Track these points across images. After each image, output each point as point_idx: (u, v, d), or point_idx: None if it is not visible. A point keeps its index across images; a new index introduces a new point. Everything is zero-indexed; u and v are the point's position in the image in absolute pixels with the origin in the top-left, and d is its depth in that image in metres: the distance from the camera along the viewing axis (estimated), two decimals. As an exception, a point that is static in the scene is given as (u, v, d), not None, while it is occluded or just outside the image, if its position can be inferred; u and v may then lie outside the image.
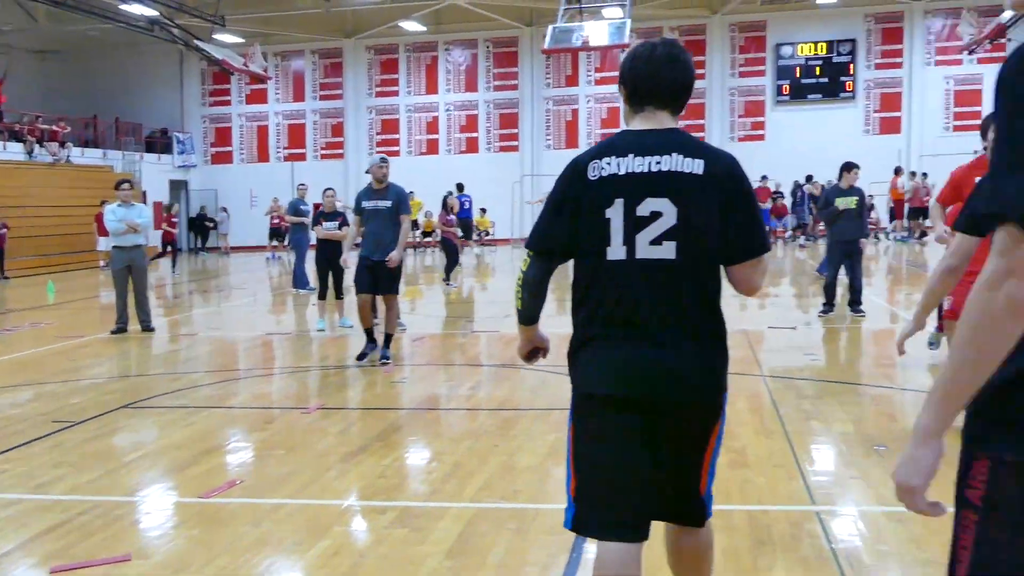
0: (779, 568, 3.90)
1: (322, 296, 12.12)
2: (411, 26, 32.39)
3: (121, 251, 11.90)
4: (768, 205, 28.22)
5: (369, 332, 9.34)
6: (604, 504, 2.67)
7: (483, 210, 29.84)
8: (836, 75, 31.19)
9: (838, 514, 4.60)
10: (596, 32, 23.18)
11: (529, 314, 2.87)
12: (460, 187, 26.43)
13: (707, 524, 2.92)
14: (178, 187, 34.86)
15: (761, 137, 31.66)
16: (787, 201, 29.27)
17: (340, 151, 34.62)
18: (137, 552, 4.26)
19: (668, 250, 2.64)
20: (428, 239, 30.43)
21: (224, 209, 34.12)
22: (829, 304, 11.72)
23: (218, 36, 27.84)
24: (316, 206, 12.57)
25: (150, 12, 26.10)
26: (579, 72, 32.77)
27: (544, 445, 5.96)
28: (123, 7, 25.91)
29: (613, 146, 2.72)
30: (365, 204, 9.10)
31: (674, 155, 2.66)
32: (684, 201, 2.63)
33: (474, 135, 33.86)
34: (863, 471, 5.21)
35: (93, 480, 5.46)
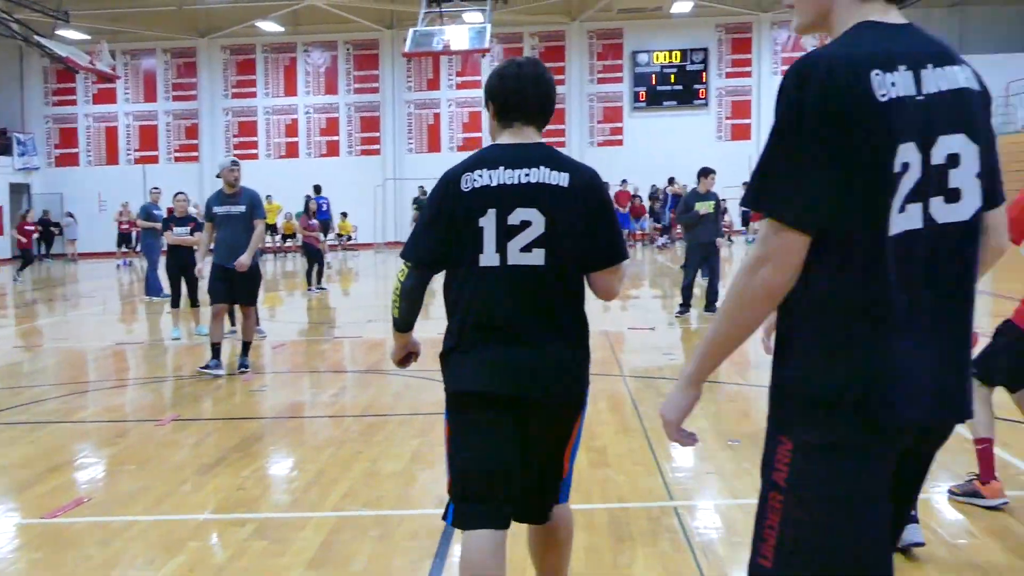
0: (639, 563, 3.99)
1: (175, 304, 11.74)
2: (268, 26, 31.74)
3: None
4: (627, 209, 28.97)
5: (216, 348, 8.80)
6: (480, 495, 2.81)
7: (344, 214, 29.47)
8: (690, 83, 32.17)
9: (695, 508, 4.75)
10: (457, 36, 23.23)
11: (406, 321, 3.00)
12: (317, 189, 26.32)
13: (567, 517, 3.10)
14: (19, 190, 33.04)
15: (620, 142, 32.33)
16: (645, 204, 30.10)
17: (195, 153, 33.49)
18: (-27, 578, 4.01)
19: (537, 256, 2.81)
20: (288, 244, 29.87)
21: (70, 214, 32.59)
22: (686, 305, 12.07)
23: (62, 32, 26.54)
24: (169, 210, 12.12)
25: (-14, 5, 24.70)
26: (440, 76, 32.65)
27: (408, 450, 5.93)
28: (-45, -1, 24.45)
29: (484, 159, 2.87)
30: (217, 210, 8.76)
31: (542, 168, 2.84)
32: (551, 211, 2.81)
33: (335, 138, 33.37)
34: (718, 465, 5.39)
35: (-76, 504, 5.12)
